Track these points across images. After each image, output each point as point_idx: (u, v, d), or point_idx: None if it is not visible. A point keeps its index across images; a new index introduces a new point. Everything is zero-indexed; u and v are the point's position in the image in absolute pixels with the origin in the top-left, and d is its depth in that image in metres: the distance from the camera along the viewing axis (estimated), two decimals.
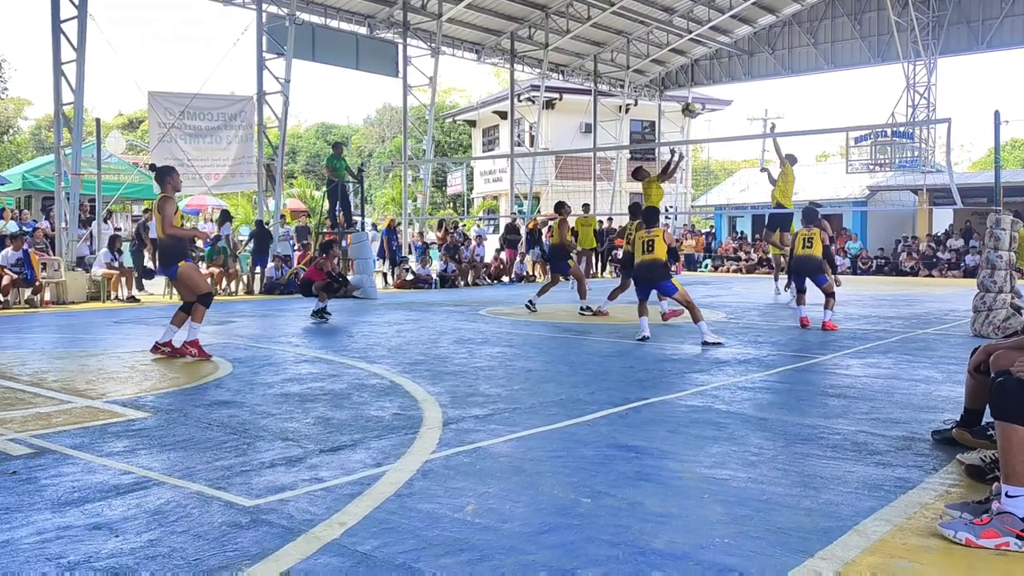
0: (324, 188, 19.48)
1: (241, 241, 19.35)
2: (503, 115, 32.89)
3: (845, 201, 28.36)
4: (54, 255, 15.04)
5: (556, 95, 31.65)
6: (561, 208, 12.70)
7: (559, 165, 30.54)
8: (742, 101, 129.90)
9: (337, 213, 17.36)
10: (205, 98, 17.70)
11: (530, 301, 12.42)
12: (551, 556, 2.87)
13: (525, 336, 9.62)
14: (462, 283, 19.99)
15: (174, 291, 15.40)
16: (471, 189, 37.09)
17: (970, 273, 22.16)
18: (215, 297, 15.47)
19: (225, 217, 18.73)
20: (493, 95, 38.46)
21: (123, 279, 14.95)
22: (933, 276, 24.28)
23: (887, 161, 27.31)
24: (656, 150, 32.15)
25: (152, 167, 8.17)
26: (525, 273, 22.58)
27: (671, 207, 31.04)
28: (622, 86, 29.59)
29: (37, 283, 13.49)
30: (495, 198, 35.71)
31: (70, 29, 14.97)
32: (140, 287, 16.28)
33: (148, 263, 17.15)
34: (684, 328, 10.11)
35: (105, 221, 16.88)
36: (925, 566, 2.82)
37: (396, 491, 3.59)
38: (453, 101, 52.62)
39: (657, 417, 5.12)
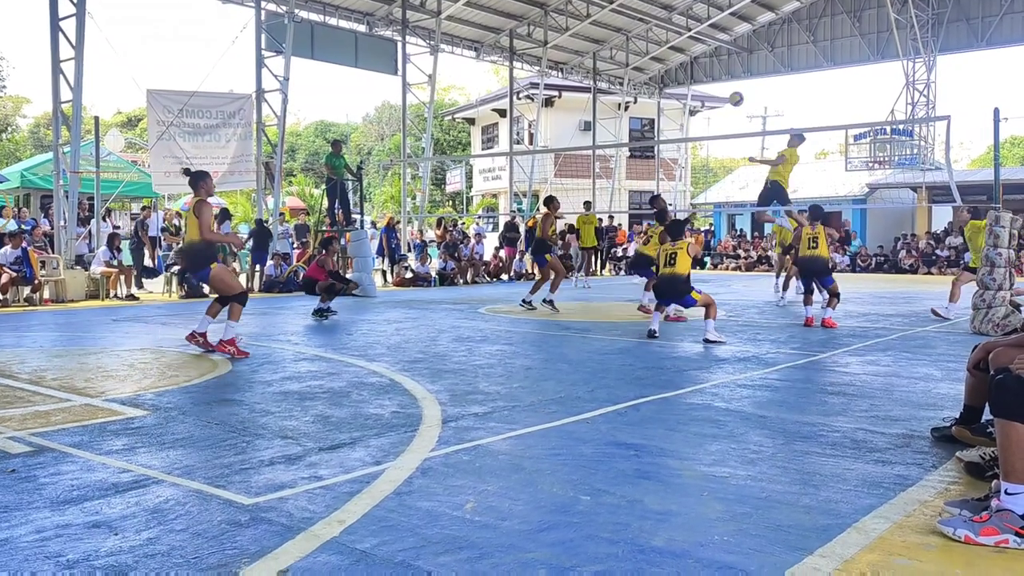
0: (323, 186, 19.47)
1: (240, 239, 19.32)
2: (502, 113, 32.89)
3: (844, 199, 28.36)
4: (53, 253, 15.03)
5: (555, 93, 31.63)
6: (550, 203, 12.68)
7: (558, 163, 30.52)
8: None
9: (336, 211, 17.36)
10: (204, 96, 17.68)
11: (524, 300, 12.43)
12: (550, 554, 2.87)
13: (524, 334, 9.61)
14: (461, 281, 19.99)
15: (173, 289, 15.44)
16: (470, 187, 37.08)
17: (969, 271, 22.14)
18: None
19: (224, 215, 18.71)
20: (492, 93, 38.44)
21: (122, 277, 14.94)
22: (932, 274, 24.29)
23: (886, 159, 27.31)
24: (656, 148, 32.17)
25: (186, 172, 8.26)
26: (524, 271, 22.57)
27: (671, 205, 31.01)
28: (621, 84, 29.58)
29: (36, 281, 13.48)
30: (494, 196, 35.71)
31: (68, 27, 14.96)
32: (139, 285, 16.27)
33: (148, 261, 17.16)
34: (684, 326, 10.11)
35: (104, 219, 16.87)
36: (924, 563, 2.82)
37: (395, 489, 3.59)
38: (452, 99, 52.60)
39: (656, 415, 5.12)
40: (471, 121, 39.69)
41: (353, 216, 17.67)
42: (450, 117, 42.35)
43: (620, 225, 28.09)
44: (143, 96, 17.26)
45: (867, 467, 3.94)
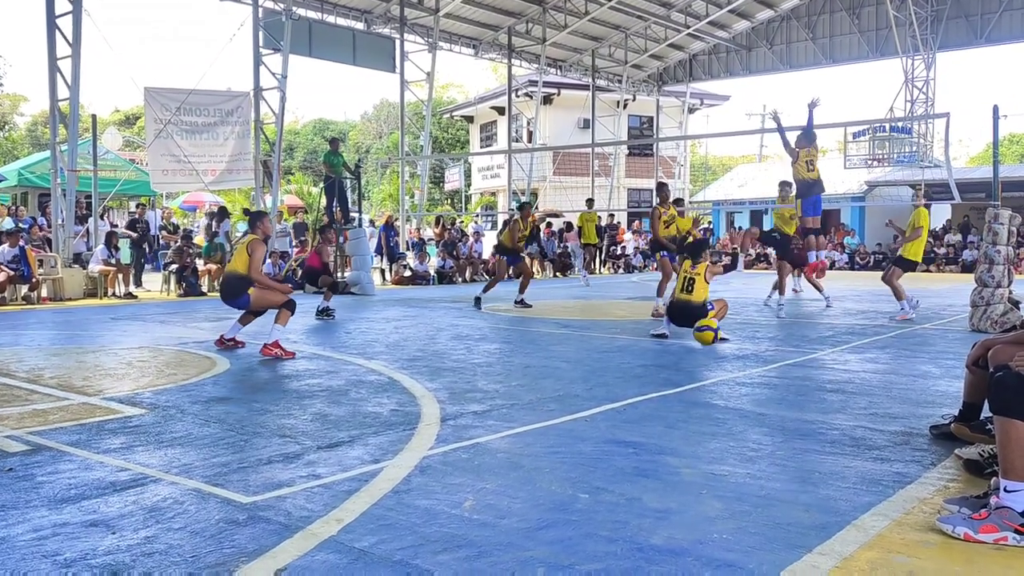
0: (321, 184, 19.45)
1: (239, 237, 19.29)
2: (501, 111, 32.86)
3: (843, 196, 28.36)
4: (51, 252, 15.01)
5: (554, 90, 31.59)
6: (522, 208, 12.72)
7: (557, 161, 30.50)
8: (740, 96, 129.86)
9: (335, 209, 17.34)
10: (201, 94, 17.65)
11: (516, 301, 12.45)
12: (549, 552, 2.87)
13: (523, 332, 9.61)
14: (460, 279, 19.98)
15: (172, 288, 15.42)
16: (469, 185, 37.04)
17: (968, 268, 22.19)
18: (212, 293, 15.50)
19: (223, 214, 18.70)
20: (490, 90, 38.38)
21: (120, 276, 14.92)
22: (931, 271, 24.30)
23: (885, 156, 27.32)
24: (655, 145, 32.15)
25: (246, 212, 8.32)
26: None
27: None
28: (620, 81, 29.56)
29: (34, 280, 13.47)
30: (493, 194, 35.66)
31: (65, 24, 14.91)
32: (138, 283, 16.27)
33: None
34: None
35: (102, 217, 16.85)
36: (923, 561, 2.81)
37: (394, 487, 3.58)
38: (451, 97, 52.54)
39: (655, 413, 5.11)
40: (469, 119, 39.63)
41: (351, 214, 17.65)
42: (448, 115, 42.30)
43: (620, 223, 28.08)
44: (140, 94, 17.23)
45: (866, 465, 3.94)
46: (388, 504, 3.37)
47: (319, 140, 53.33)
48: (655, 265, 15.11)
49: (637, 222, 28.04)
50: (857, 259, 26.27)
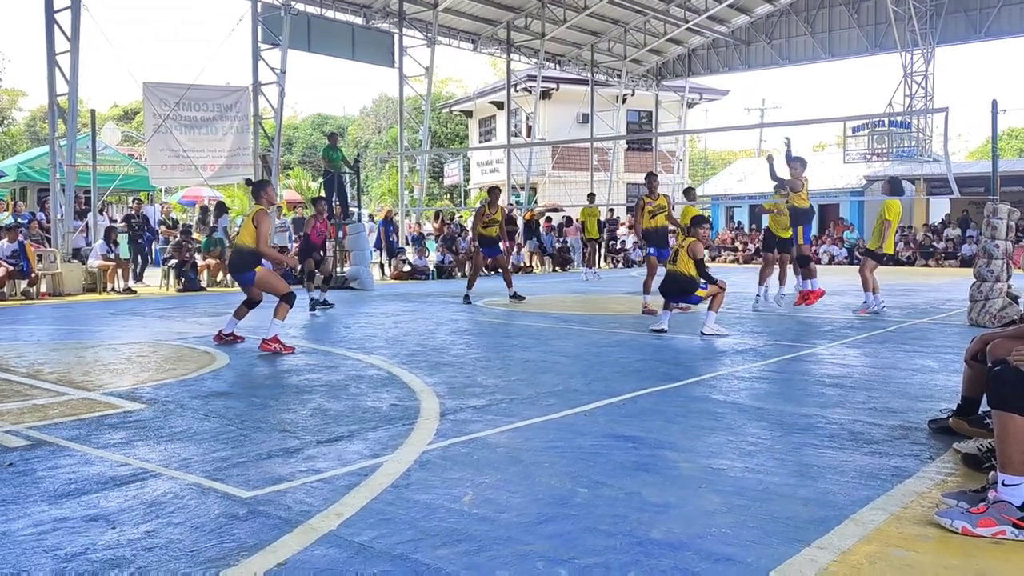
0: (320, 179, 19.43)
1: (238, 233, 19.27)
2: (500, 105, 32.83)
3: (842, 191, 28.37)
4: (50, 247, 15.00)
5: (553, 85, 31.56)
6: (491, 192, 12.58)
7: (556, 155, 30.48)
8: (739, 91, 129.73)
9: (334, 204, 17.32)
10: (200, 89, 17.62)
11: (512, 295, 12.45)
12: (548, 546, 2.87)
13: (522, 327, 9.61)
14: (459, 274, 19.96)
15: (171, 283, 15.41)
16: (468, 180, 37.04)
17: (967, 262, 22.20)
18: (211, 288, 15.49)
19: (221, 209, 18.68)
20: (490, 85, 38.35)
21: (119, 271, 14.92)
22: (930, 266, 24.31)
23: (884, 151, 27.33)
24: (653, 140, 32.13)
25: (248, 181, 8.24)
26: (522, 264, 22.57)
27: (673, 199, 31.02)
28: (619, 76, 29.51)
29: (33, 275, 13.46)
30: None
31: (64, 19, 14.88)
32: (137, 278, 16.26)
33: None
34: (682, 318, 10.10)
35: (101, 213, 16.82)
36: (922, 555, 2.82)
37: (393, 482, 3.59)
38: (450, 91, 52.47)
39: (654, 407, 5.12)
40: (468, 114, 39.61)
41: (351, 209, 17.64)
42: (447, 110, 42.26)
43: (619, 218, 28.07)
44: (139, 89, 17.21)
45: (864, 459, 3.95)
46: (388, 498, 3.37)
47: (318, 135, 53.23)
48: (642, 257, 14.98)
49: (628, 217, 28.02)
50: (856, 254, 26.24)
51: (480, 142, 37.64)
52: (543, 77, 27.98)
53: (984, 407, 3.94)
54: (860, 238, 27.22)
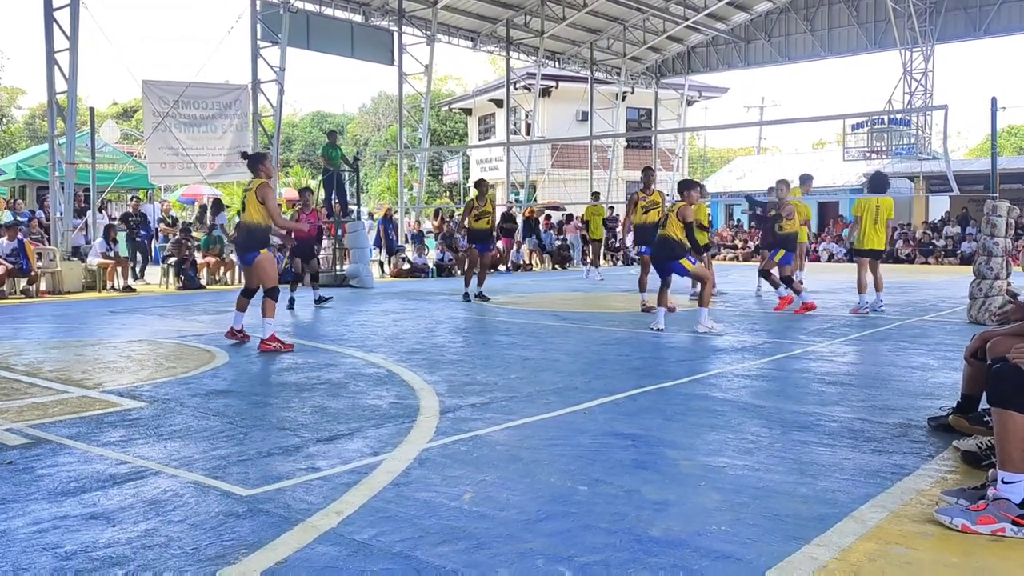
0: (320, 177, 19.42)
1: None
2: (499, 103, 32.80)
3: (842, 188, 28.38)
4: (49, 245, 14.99)
5: (552, 83, 31.53)
6: (479, 186, 12.45)
7: (555, 153, 30.46)
8: (739, 88, 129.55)
9: (333, 202, 17.33)
10: (199, 87, 17.60)
11: (476, 294, 12.38)
12: (548, 544, 2.88)
13: (522, 325, 9.61)
14: (458, 272, 19.95)
15: (170, 281, 15.40)
16: (467, 178, 37.01)
17: (966, 260, 22.21)
18: (211, 287, 15.49)
19: (218, 207, 18.68)
20: (489, 83, 38.32)
21: (119, 269, 14.91)
22: (929, 263, 24.31)
23: (884, 148, 27.32)
24: (653, 138, 32.12)
25: (244, 155, 8.18)
26: (522, 262, 22.57)
27: (668, 195, 31.01)
28: (618, 74, 29.50)
29: (32, 273, 13.45)
30: (491, 187, 35.65)
31: (63, 17, 14.85)
32: (138, 276, 16.25)
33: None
34: (681, 316, 10.10)
35: (100, 211, 16.81)
36: (921, 552, 2.82)
37: (393, 480, 3.59)
38: (449, 89, 52.44)
39: (654, 405, 5.12)
40: (468, 111, 39.59)
41: (350, 207, 17.64)
42: (447, 107, 42.23)
43: (619, 215, 28.03)
44: (139, 87, 17.19)
45: (864, 456, 3.95)
46: (387, 496, 3.37)
47: (317, 133, 53.21)
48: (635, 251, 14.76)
49: (623, 215, 27.99)
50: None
51: (479, 140, 37.62)
52: (542, 75, 27.96)
53: (984, 405, 3.94)
54: None
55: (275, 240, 17.57)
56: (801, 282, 11.12)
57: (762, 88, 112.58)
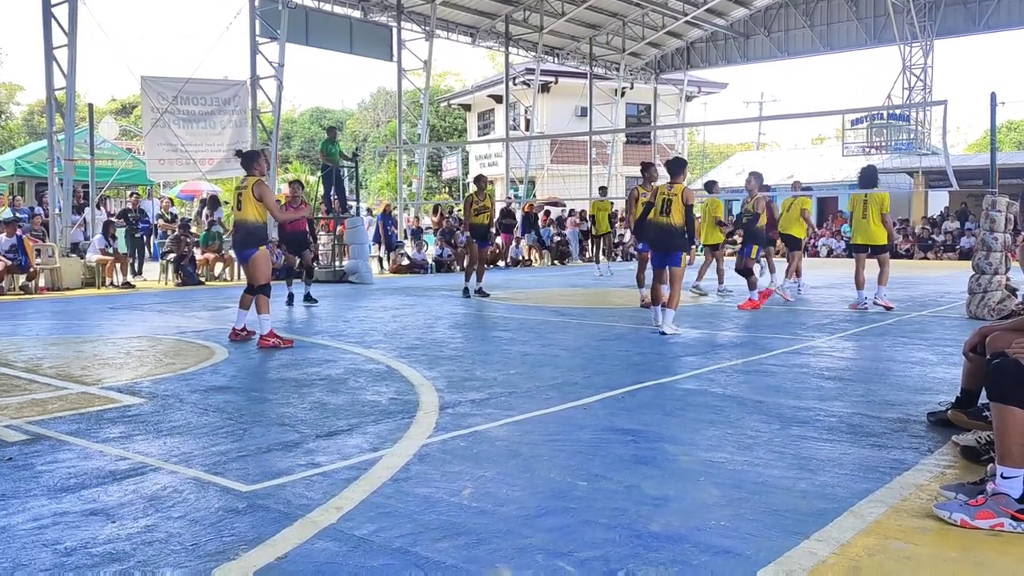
0: (319, 173, 19.40)
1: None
2: (498, 99, 32.77)
3: (841, 184, 28.34)
4: (48, 241, 14.99)
5: (551, 79, 31.49)
6: (477, 181, 12.39)
7: (555, 149, 30.43)
8: (738, 84, 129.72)
9: (332, 198, 17.32)
10: (198, 83, 17.59)
11: (475, 290, 12.36)
12: (548, 539, 2.88)
13: (521, 320, 9.61)
14: (458, 268, 19.95)
15: (169, 277, 15.40)
16: (466, 173, 36.98)
17: (965, 255, 22.21)
18: (210, 283, 15.49)
19: (215, 203, 18.66)
20: (488, 79, 38.29)
21: (118, 265, 14.90)
22: (928, 258, 24.31)
23: (883, 144, 27.29)
24: (652, 133, 32.08)
25: (238, 153, 8.16)
26: (521, 258, 22.56)
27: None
28: (618, 69, 29.46)
29: (31, 269, 13.45)
30: (491, 182, 35.62)
31: (61, 13, 14.83)
32: (137, 272, 16.23)
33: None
34: (681, 313, 10.07)
35: (99, 207, 16.79)
36: (920, 547, 2.83)
37: (393, 476, 3.59)
38: (448, 85, 52.36)
39: (653, 400, 5.12)
40: (467, 107, 39.56)
41: (349, 203, 17.63)
42: (446, 103, 42.20)
43: (618, 211, 28.01)
44: (137, 83, 17.17)
45: (863, 451, 3.95)
46: (387, 492, 3.38)
47: (316, 129, 53.15)
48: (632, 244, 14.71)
49: (620, 211, 27.97)
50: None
51: (479, 135, 37.58)
52: (542, 70, 27.93)
53: (983, 400, 3.94)
54: None
55: (273, 236, 17.63)
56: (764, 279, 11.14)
57: (761, 83, 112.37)
